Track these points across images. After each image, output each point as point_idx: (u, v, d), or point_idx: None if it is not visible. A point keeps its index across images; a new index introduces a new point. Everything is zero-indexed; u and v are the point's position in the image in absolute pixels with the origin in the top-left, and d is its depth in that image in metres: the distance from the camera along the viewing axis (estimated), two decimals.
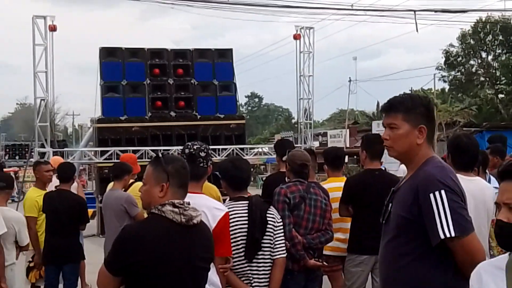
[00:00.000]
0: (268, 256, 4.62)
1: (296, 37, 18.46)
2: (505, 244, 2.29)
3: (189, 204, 3.33)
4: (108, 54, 16.67)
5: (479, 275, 2.31)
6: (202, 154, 4.25)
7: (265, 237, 4.62)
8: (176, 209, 3.25)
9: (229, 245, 4.29)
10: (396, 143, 3.21)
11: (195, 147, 4.29)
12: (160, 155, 3.51)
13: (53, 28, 15.37)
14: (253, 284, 4.57)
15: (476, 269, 2.35)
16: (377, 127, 27.10)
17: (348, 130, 38.20)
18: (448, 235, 2.92)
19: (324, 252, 6.06)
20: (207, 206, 4.12)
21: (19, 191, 19.65)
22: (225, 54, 17.55)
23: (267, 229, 4.63)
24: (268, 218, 4.65)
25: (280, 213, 5.15)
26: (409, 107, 3.18)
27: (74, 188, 8.85)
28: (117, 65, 16.51)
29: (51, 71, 15.31)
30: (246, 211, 4.59)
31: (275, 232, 4.67)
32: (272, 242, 4.65)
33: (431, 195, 2.97)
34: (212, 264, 4.16)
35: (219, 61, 17.25)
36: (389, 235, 3.23)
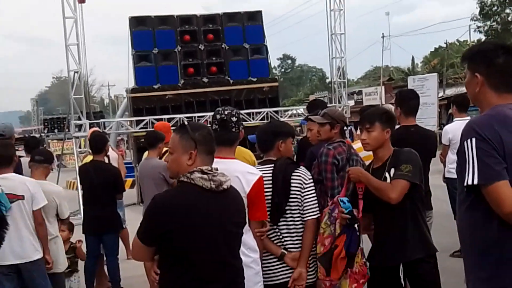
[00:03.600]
0: (298, 218, 4.55)
1: None
2: None
3: (217, 170, 3.32)
4: (138, 23, 16.65)
5: None
6: (234, 119, 4.21)
7: (290, 200, 4.53)
8: (205, 176, 3.25)
9: (265, 209, 4.26)
10: (467, 89, 3.28)
11: (226, 112, 4.24)
12: (186, 123, 3.50)
13: (82, 0, 15.37)
14: (286, 246, 4.55)
15: None
16: (413, 83, 26.59)
17: (383, 87, 37.79)
18: (470, 182, 2.90)
19: None
20: (240, 171, 4.10)
21: (59, 164, 19.97)
22: (255, 17, 17.38)
23: (292, 192, 4.53)
24: (293, 180, 4.54)
25: (329, 174, 5.08)
26: (469, 56, 3.22)
27: (114, 159, 8.97)
28: (148, 33, 16.49)
29: (83, 43, 15.34)
30: (271, 175, 4.55)
31: (303, 194, 4.56)
32: (300, 204, 4.56)
33: (465, 143, 2.96)
34: (248, 229, 4.16)
35: (249, 24, 17.11)
36: None
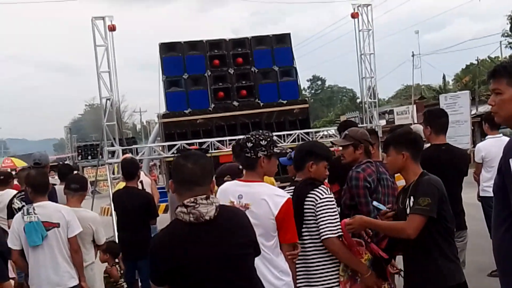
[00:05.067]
0: (318, 240, 4.53)
1: (354, 15, 18.16)
2: None
3: (207, 198, 3.25)
4: (168, 49, 16.80)
5: None
6: (249, 144, 4.23)
7: (305, 222, 4.52)
8: (184, 209, 3.23)
9: (294, 231, 4.26)
10: (501, 108, 3.15)
11: (245, 137, 4.31)
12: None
13: (112, 28, 15.56)
14: (314, 269, 4.54)
15: None
16: (445, 101, 26.39)
17: (414, 106, 37.60)
18: None
19: None
20: (267, 194, 4.13)
21: (93, 191, 20.18)
22: (284, 39, 17.42)
23: (307, 213, 4.51)
24: (306, 202, 4.52)
25: (362, 199, 5.03)
26: None
27: (147, 184, 9.04)
28: (178, 59, 16.62)
29: (114, 70, 15.54)
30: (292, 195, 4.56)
31: (316, 213, 4.50)
32: (316, 224, 4.52)
33: (511, 160, 2.88)
34: (280, 252, 4.17)
35: (278, 47, 17.13)
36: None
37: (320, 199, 4.51)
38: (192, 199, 3.22)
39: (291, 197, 4.31)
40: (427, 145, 6.50)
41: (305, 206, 4.52)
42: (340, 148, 5.59)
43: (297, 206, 4.46)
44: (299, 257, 4.50)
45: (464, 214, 6.11)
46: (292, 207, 4.22)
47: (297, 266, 4.51)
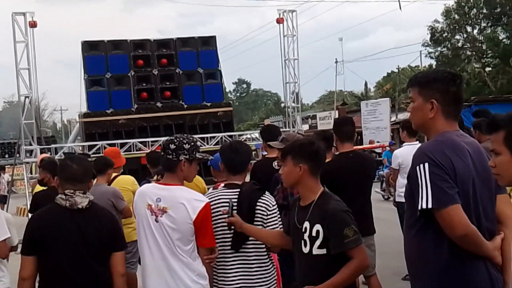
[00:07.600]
0: (261, 245, 4.46)
1: (279, 21, 18.39)
2: None
3: (84, 193, 4.03)
4: (91, 48, 16.55)
5: None
6: (172, 146, 4.18)
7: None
8: (63, 196, 3.98)
9: (212, 236, 4.23)
10: (412, 115, 3.31)
11: (169, 139, 4.27)
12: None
13: (33, 24, 15.24)
14: (256, 272, 4.43)
15: None
16: (366, 107, 27.05)
17: (337, 112, 38.23)
18: (424, 206, 2.95)
19: None
20: (186, 198, 4.09)
21: (9, 190, 19.57)
22: (209, 42, 17.45)
23: (256, 219, 4.44)
24: (258, 207, 4.44)
25: (291, 199, 5.05)
26: (424, 81, 3.24)
27: None
28: (100, 58, 16.40)
29: (34, 67, 15.20)
30: (237, 199, 4.45)
31: (266, 220, 4.44)
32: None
33: (417, 168, 3.01)
34: (197, 255, 4.14)
35: (203, 49, 17.17)
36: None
37: (272, 206, 4.46)
38: (72, 191, 3.99)
39: (209, 201, 4.27)
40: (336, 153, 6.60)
41: (256, 213, 4.42)
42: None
43: (250, 212, 4.39)
44: (240, 263, 4.45)
45: (372, 218, 6.19)
46: (210, 212, 4.19)
47: (238, 271, 4.44)
